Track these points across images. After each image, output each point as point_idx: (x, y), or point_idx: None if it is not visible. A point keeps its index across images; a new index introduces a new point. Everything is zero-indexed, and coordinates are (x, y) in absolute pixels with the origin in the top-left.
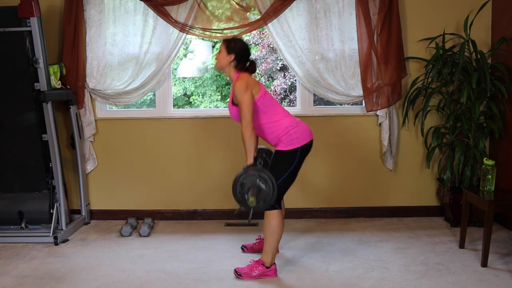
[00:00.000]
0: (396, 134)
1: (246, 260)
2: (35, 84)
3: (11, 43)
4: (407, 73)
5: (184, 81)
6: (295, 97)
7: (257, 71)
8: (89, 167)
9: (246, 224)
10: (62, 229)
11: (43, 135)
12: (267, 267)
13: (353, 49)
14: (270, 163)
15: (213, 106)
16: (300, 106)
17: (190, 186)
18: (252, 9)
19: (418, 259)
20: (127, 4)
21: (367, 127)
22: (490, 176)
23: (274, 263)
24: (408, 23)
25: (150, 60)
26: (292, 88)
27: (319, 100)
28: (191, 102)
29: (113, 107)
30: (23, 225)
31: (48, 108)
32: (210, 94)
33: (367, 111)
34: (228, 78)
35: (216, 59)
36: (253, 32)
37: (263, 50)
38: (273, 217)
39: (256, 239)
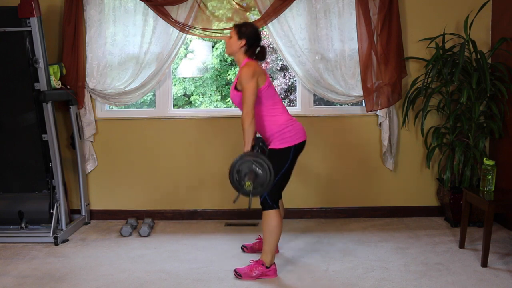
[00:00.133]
0: (396, 134)
1: (246, 260)
2: (35, 84)
3: (11, 43)
4: (407, 73)
5: (184, 81)
6: (295, 97)
7: None
8: (89, 167)
9: (246, 224)
10: (62, 229)
11: (43, 135)
12: (267, 267)
13: (353, 49)
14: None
15: (213, 106)
16: (300, 106)
17: (190, 186)
18: (252, 9)
19: (418, 259)
20: (127, 4)
21: (367, 127)
22: (490, 176)
23: (274, 263)
24: (408, 23)
25: (150, 60)
26: (292, 88)
27: (319, 100)
28: (191, 102)
29: (113, 107)
30: (23, 225)
31: (48, 108)
32: (210, 94)
33: (367, 111)
34: (236, 63)
35: (226, 44)
36: None
37: None
38: (271, 217)
39: (256, 239)
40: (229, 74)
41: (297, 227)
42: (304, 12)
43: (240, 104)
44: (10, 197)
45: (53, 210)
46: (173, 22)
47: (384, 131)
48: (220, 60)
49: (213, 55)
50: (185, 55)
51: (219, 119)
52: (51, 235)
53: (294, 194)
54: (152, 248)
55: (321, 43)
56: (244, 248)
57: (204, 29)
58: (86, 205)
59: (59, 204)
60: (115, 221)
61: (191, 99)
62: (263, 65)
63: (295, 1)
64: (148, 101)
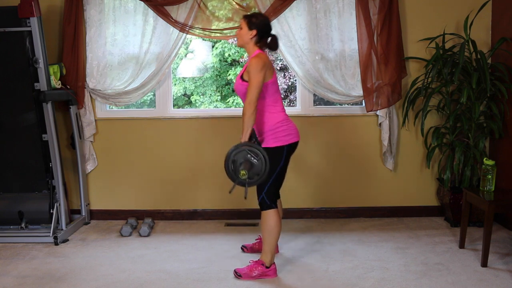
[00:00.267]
0: (396, 134)
1: (246, 260)
2: (35, 84)
3: (11, 43)
4: (407, 73)
5: (184, 81)
6: (295, 97)
7: None
8: (89, 167)
9: (246, 224)
10: (62, 229)
11: (43, 135)
12: (266, 267)
13: (353, 49)
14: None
15: (213, 106)
16: (300, 106)
17: (190, 186)
18: (252, 9)
19: (418, 259)
20: (127, 4)
21: (367, 127)
22: (490, 176)
23: (274, 262)
24: (408, 23)
25: (150, 60)
26: (292, 88)
27: (319, 100)
28: (191, 102)
29: (113, 107)
30: (23, 225)
31: (48, 108)
32: (210, 94)
33: (367, 111)
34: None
35: (237, 35)
36: None
37: None
38: (270, 216)
39: (256, 239)
40: (229, 74)
41: (297, 227)
42: (304, 12)
43: (244, 95)
44: (10, 197)
45: (53, 210)
46: (173, 22)
47: (384, 131)
48: (220, 60)
49: (212, 54)
50: (185, 55)
51: (219, 119)
52: (51, 235)
53: (294, 194)
54: (152, 248)
55: (321, 43)
56: (244, 249)
57: (204, 29)
58: (86, 205)
59: (59, 204)
60: (115, 221)
61: (192, 99)
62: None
63: (295, 1)
64: (148, 101)
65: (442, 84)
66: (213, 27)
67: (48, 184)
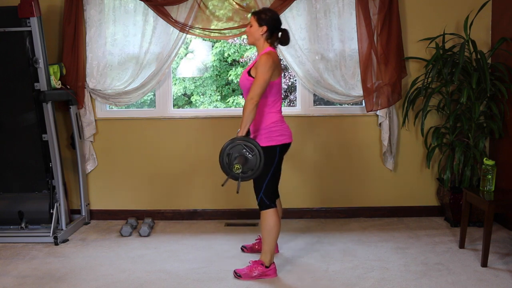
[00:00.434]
0: (396, 134)
1: (246, 260)
2: (35, 84)
3: (11, 43)
4: (407, 73)
5: (184, 81)
6: (295, 97)
7: None
8: (89, 167)
9: (246, 224)
10: (62, 229)
11: (43, 135)
12: (266, 267)
13: (353, 49)
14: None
15: (213, 106)
16: (300, 106)
17: (190, 186)
18: (252, 9)
19: (418, 259)
20: (127, 4)
21: (367, 127)
22: (490, 176)
23: (274, 262)
24: (408, 23)
25: (150, 60)
26: (292, 88)
27: (319, 100)
28: (191, 102)
29: (113, 107)
30: (23, 225)
31: (48, 108)
32: (210, 94)
33: (367, 111)
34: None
35: (247, 33)
36: None
37: None
38: (269, 216)
39: (256, 239)
40: (229, 75)
41: (297, 227)
42: (304, 12)
43: (247, 90)
44: (10, 197)
45: (53, 210)
46: (173, 22)
47: (384, 131)
48: (220, 60)
49: (212, 53)
50: (185, 55)
51: (219, 119)
52: (51, 235)
53: (294, 194)
54: (152, 248)
55: (321, 43)
56: (244, 249)
57: (204, 29)
58: (86, 205)
59: (59, 204)
60: (115, 221)
61: (192, 99)
62: None
63: (295, 1)
64: (148, 101)
65: (442, 84)
66: (213, 27)
67: (48, 184)
